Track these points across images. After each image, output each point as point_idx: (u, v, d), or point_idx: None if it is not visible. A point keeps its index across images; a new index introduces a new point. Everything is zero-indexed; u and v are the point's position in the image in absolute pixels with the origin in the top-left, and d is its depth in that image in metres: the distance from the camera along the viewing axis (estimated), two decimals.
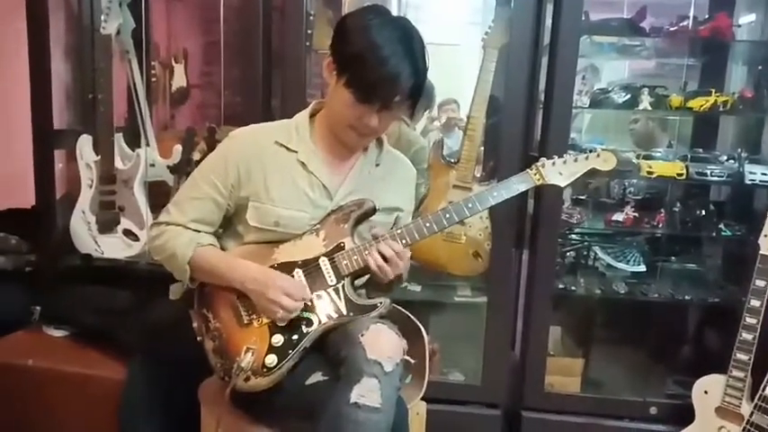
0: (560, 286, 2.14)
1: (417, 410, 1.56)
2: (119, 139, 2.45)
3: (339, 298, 1.34)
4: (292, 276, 1.35)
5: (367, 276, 1.45)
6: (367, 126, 1.33)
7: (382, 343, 1.23)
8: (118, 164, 2.36)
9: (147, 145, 2.57)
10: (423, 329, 1.59)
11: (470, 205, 1.40)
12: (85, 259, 2.29)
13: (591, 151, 1.47)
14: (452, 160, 2.23)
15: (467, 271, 2.22)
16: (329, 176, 1.41)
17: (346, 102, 1.29)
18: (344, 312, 1.33)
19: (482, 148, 2.32)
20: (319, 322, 1.33)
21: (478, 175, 2.27)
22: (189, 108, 2.84)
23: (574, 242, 2.31)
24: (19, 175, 2.39)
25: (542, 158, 1.46)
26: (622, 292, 2.11)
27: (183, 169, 2.42)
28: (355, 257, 1.36)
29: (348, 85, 1.28)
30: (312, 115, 1.45)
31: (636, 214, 2.13)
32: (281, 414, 1.35)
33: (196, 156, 2.50)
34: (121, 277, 2.11)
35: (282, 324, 1.32)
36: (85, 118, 2.49)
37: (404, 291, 2.25)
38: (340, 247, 1.37)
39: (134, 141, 2.53)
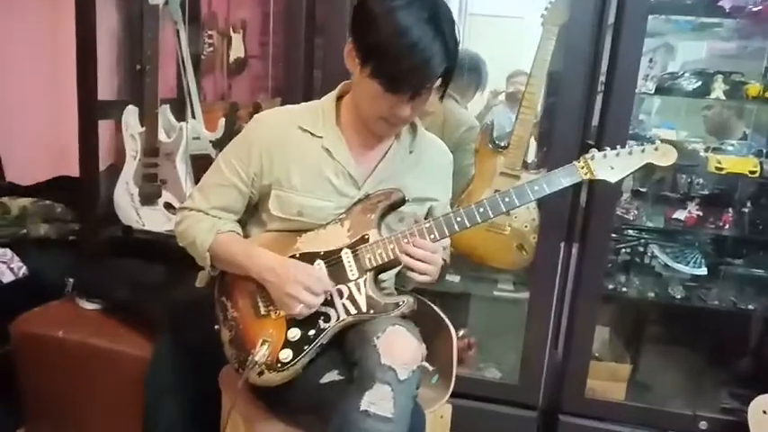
0: (610, 286, 2.00)
1: (442, 414, 1.48)
2: (165, 110, 2.45)
3: (360, 294, 1.27)
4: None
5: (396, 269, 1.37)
6: (398, 116, 1.23)
7: (398, 348, 1.15)
8: (162, 137, 2.35)
9: (193, 117, 2.55)
10: (450, 326, 1.50)
11: (507, 200, 1.28)
12: (126, 231, 2.31)
13: (650, 142, 1.31)
14: (502, 144, 2.10)
15: (509, 264, 2.10)
16: (356, 164, 1.32)
17: (374, 93, 1.19)
18: (364, 310, 1.26)
19: (534, 134, 2.18)
20: (338, 318, 1.26)
21: (530, 161, 2.16)
22: (246, 79, 2.81)
23: (630, 238, 2.14)
24: (70, 145, 2.42)
25: (593, 149, 1.31)
26: (679, 297, 1.94)
27: (225, 144, 2.39)
28: (379, 251, 1.27)
29: (374, 76, 1.17)
30: (340, 97, 1.35)
31: (700, 213, 1.95)
32: (294, 409, 1.30)
33: (237, 128, 2.48)
34: (159, 251, 2.11)
35: (301, 316, 1.26)
36: (133, 89, 2.49)
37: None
38: (364, 240, 1.29)
39: (182, 113, 2.53)
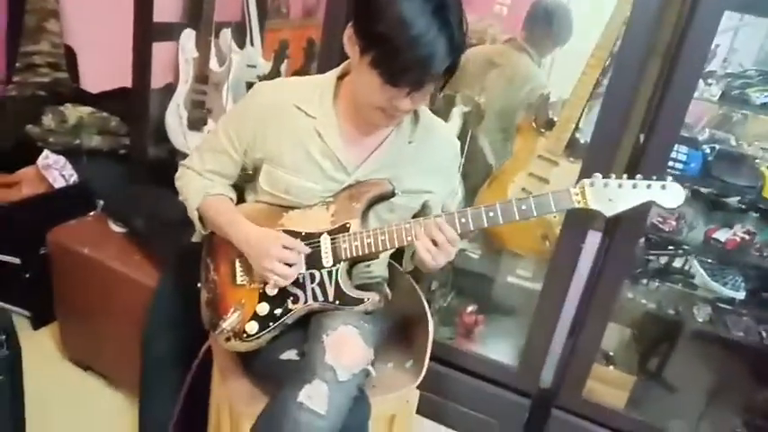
0: (630, 295, 1.89)
1: (408, 398, 1.50)
2: (226, 34, 2.47)
3: (330, 282, 1.27)
4: None
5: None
6: (397, 108, 1.18)
7: (344, 349, 1.16)
8: (213, 65, 2.38)
9: (252, 44, 2.56)
10: (429, 315, 1.50)
11: (491, 214, 1.20)
12: (172, 153, 2.41)
13: (660, 179, 1.17)
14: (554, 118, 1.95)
15: (530, 251, 2.04)
16: (347, 150, 1.29)
17: (372, 83, 1.13)
18: (331, 299, 1.27)
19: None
20: (305, 302, 1.28)
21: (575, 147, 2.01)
22: None
23: (668, 248, 1.98)
24: None
25: (596, 174, 1.20)
26: (701, 320, 1.81)
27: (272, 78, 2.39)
28: (356, 244, 1.26)
29: (374, 66, 1.11)
30: (342, 77, 1.30)
31: (746, 236, 1.76)
32: (255, 374, 1.36)
33: (284, 67, 2.46)
34: None
35: (273, 292, 1.29)
36: (193, 13, 2.50)
37: (461, 254, 2.13)
38: (345, 228, 1.28)
39: (244, 38, 2.53)
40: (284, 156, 1.29)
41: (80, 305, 1.95)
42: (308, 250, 1.27)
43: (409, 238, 1.23)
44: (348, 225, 1.28)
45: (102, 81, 2.72)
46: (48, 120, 2.34)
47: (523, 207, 1.20)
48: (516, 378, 2.03)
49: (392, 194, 1.29)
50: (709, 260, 1.93)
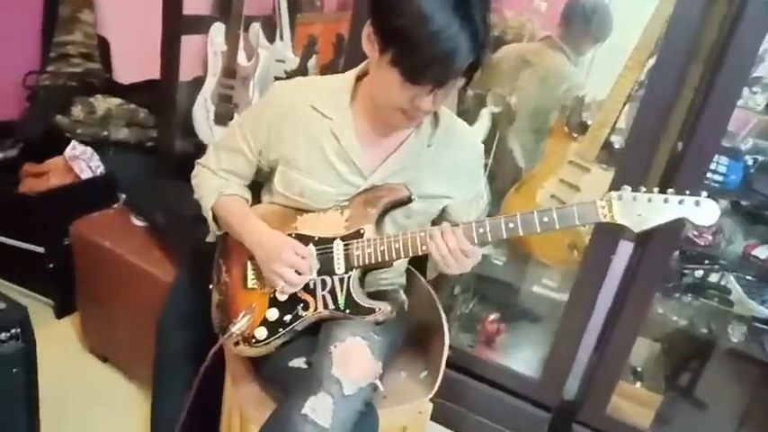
0: (660, 311, 1.80)
1: (420, 410, 1.45)
2: (256, 28, 2.45)
3: (341, 290, 1.23)
4: None
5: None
6: (418, 108, 1.13)
7: (351, 362, 1.12)
8: (241, 59, 2.36)
9: (281, 39, 2.53)
10: (446, 326, 1.44)
11: (511, 225, 1.15)
12: (198, 146, 2.40)
13: (694, 194, 1.09)
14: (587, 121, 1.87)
15: (556, 261, 1.97)
16: (363, 152, 1.24)
17: (392, 82, 1.08)
18: (341, 308, 1.23)
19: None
20: (315, 309, 1.24)
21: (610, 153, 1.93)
22: None
23: (704, 263, 1.88)
24: None
25: (625, 186, 1.13)
26: (735, 340, 1.71)
27: (299, 75, 2.36)
28: (369, 251, 1.21)
29: (394, 64, 1.07)
30: (361, 77, 1.26)
31: None
32: (264, 379, 1.34)
33: (312, 62, 2.43)
34: None
35: (283, 298, 1.26)
36: (223, 7, 2.48)
37: (485, 260, 2.07)
38: (359, 234, 1.24)
39: (274, 32, 2.51)
40: (299, 158, 1.25)
41: (100, 297, 1.96)
42: (317, 265, 1.24)
43: (424, 248, 1.18)
44: (362, 231, 1.24)
45: (133, 72, 2.74)
46: (77, 111, 2.35)
47: (545, 219, 1.14)
48: (537, 390, 1.96)
49: (409, 200, 1.25)
50: (747, 277, 1.83)
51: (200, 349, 1.48)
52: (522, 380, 1.99)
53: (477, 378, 2.02)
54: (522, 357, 2.05)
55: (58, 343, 2.11)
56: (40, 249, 2.12)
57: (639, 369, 2.05)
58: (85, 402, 1.91)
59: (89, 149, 2.28)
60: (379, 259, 1.21)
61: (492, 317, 2.07)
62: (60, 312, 2.23)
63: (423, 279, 1.53)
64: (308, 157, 1.25)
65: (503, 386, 2.00)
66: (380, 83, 1.14)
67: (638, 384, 1.96)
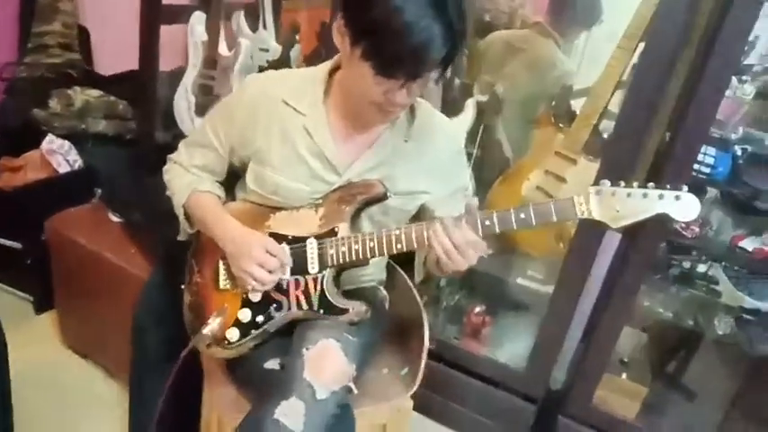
0: (646, 303, 1.77)
1: (400, 407, 1.42)
2: (239, 17, 2.38)
3: (315, 290, 1.20)
4: None
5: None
6: (392, 102, 1.09)
7: (324, 365, 1.10)
8: (222, 49, 2.30)
9: (264, 27, 2.47)
10: (426, 322, 1.41)
11: (488, 223, 1.12)
12: (179, 138, 2.34)
13: (675, 189, 1.04)
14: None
15: (542, 252, 1.94)
16: (337, 148, 1.21)
17: (365, 76, 1.05)
18: (315, 308, 1.20)
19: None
20: (288, 309, 1.21)
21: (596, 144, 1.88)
22: None
23: (692, 254, 1.84)
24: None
25: (604, 181, 1.09)
26: (721, 332, 1.69)
27: (279, 67, 2.31)
28: (343, 250, 1.18)
29: (366, 58, 1.03)
30: (334, 71, 1.21)
31: None
32: (239, 381, 1.31)
33: (295, 51, 2.37)
34: None
35: (256, 298, 1.23)
36: None
37: None
38: (333, 233, 1.20)
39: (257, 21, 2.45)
40: (272, 154, 1.22)
41: (77, 294, 1.93)
42: (290, 263, 1.20)
43: (399, 246, 1.15)
44: (336, 229, 1.20)
45: (114, 63, 2.67)
46: (54, 103, 2.30)
47: (522, 216, 1.10)
48: (523, 382, 1.95)
49: (384, 197, 1.21)
50: (735, 268, 1.80)
51: (177, 348, 1.45)
52: (508, 372, 1.97)
53: (462, 370, 2.00)
54: (507, 349, 2.03)
55: (38, 339, 2.08)
56: (18, 245, 2.08)
57: (626, 360, 2.04)
58: (64, 399, 1.89)
59: (66, 143, 2.23)
60: (354, 258, 1.18)
61: (478, 309, 2.05)
62: (39, 308, 2.19)
63: (404, 275, 1.50)
64: (282, 154, 1.21)
65: (489, 378, 1.98)
66: (353, 77, 1.10)
67: (624, 375, 1.94)
